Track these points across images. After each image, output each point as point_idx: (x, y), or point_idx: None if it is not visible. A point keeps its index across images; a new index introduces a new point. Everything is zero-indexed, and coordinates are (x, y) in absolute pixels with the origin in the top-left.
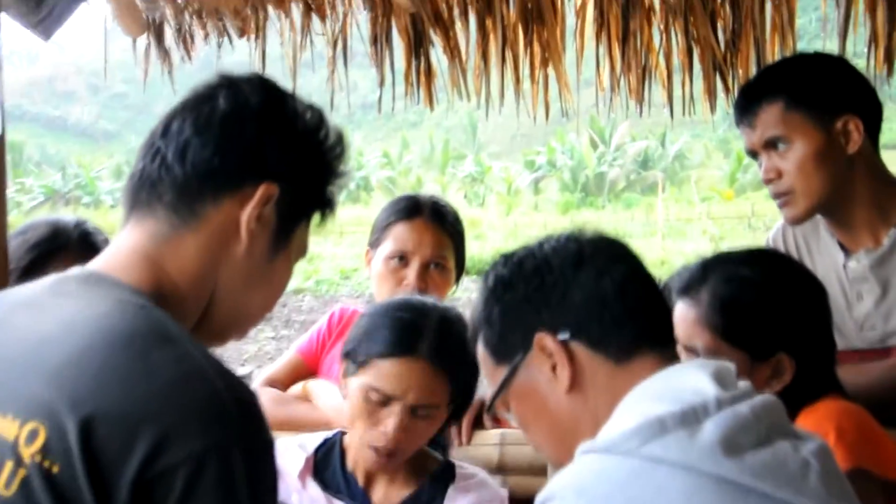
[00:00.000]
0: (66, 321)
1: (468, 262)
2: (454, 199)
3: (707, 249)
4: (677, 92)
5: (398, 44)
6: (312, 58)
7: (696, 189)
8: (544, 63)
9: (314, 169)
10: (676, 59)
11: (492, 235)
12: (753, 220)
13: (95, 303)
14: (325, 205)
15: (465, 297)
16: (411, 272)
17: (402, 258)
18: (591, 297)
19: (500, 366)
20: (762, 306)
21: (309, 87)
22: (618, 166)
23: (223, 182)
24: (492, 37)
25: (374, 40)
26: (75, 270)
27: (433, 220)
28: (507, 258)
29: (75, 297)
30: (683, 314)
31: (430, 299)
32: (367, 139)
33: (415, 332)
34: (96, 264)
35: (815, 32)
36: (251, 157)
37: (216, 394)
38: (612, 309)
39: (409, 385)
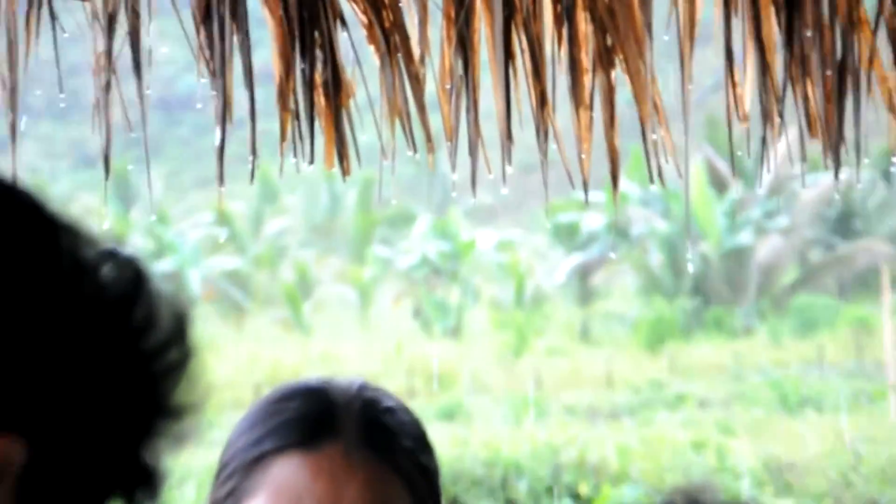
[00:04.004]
0: None
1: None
2: (393, 321)
3: None
4: None
5: (260, 24)
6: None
7: None
8: (603, 59)
9: (112, 398)
10: None
11: (480, 419)
12: None
13: None
14: (138, 479)
15: None
16: None
17: None
18: None
19: None
20: None
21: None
22: (778, 232)
23: None
24: (479, 3)
25: (206, 15)
26: None
27: (365, 449)
28: None
29: None
30: None
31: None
32: (180, 181)
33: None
34: None
35: None
36: None
37: None
38: None
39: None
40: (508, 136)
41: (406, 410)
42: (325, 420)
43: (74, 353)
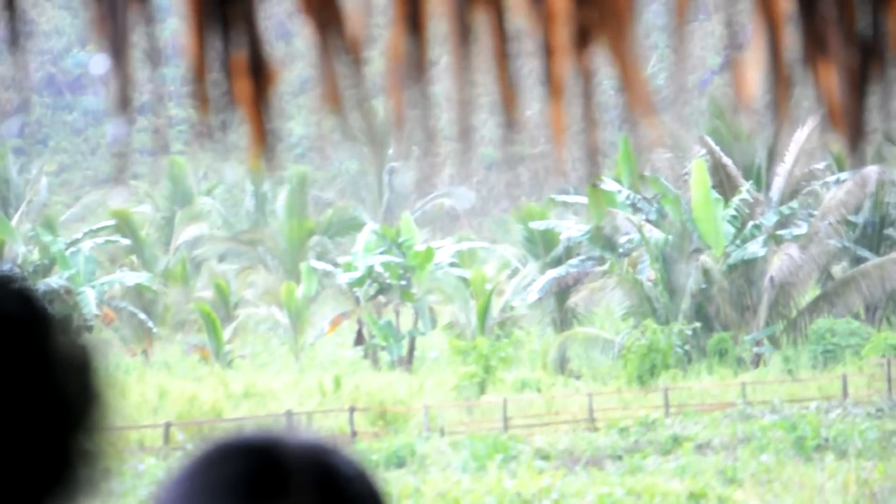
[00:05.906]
0: None
1: None
2: (331, 348)
3: None
4: None
5: None
6: None
7: None
8: (582, 39)
9: None
10: None
11: (436, 466)
12: None
13: None
14: None
15: None
16: None
17: None
18: None
19: None
20: None
21: None
22: (794, 242)
23: None
24: None
25: None
26: None
27: None
28: None
29: None
30: None
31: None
32: (71, 179)
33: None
34: None
35: None
36: None
37: None
38: None
39: None
40: (468, 128)
41: (367, 479)
42: (272, 489)
43: None
